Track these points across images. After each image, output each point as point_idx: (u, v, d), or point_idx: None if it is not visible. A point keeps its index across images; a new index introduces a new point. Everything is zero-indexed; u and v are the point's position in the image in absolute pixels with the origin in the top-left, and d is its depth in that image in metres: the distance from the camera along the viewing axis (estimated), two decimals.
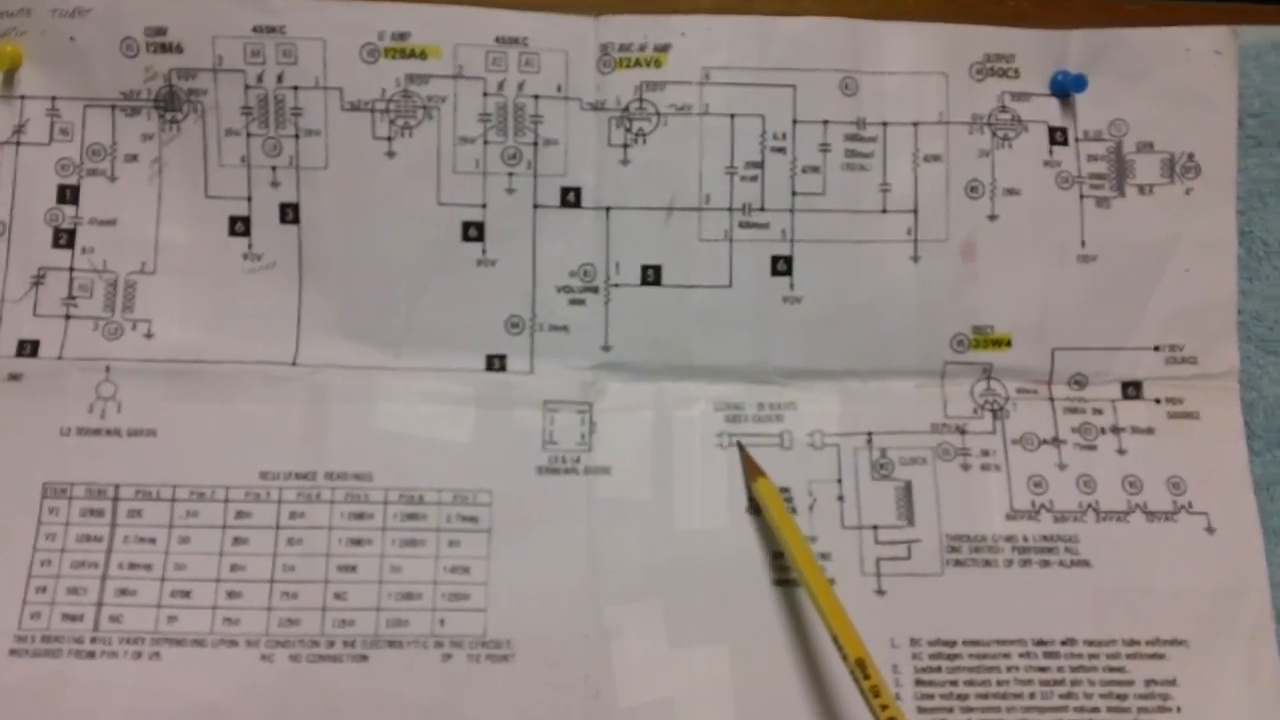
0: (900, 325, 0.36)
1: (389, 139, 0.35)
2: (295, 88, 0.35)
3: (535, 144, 0.35)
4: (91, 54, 0.35)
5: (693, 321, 0.35)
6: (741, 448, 0.35)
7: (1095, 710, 0.34)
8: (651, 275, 0.35)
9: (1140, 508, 0.35)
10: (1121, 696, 0.34)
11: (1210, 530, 0.35)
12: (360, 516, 0.34)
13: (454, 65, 0.35)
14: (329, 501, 0.34)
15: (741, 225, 0.35)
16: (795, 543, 0.32)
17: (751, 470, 0.34)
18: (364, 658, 0.33)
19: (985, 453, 0.35)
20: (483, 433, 0.35)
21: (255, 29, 0.35)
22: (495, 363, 0.35)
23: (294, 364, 0.35)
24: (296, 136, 0.35)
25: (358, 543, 0.34)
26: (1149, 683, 0.34)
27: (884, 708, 0.29)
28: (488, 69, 0.35)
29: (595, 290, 0.35)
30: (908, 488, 0.35)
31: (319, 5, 0.35)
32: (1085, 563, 0.35)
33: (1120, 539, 0.35)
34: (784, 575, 0.34)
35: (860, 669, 0.30)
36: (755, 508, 0.34)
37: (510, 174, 0.35)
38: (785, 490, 0.35)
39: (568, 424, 0.35)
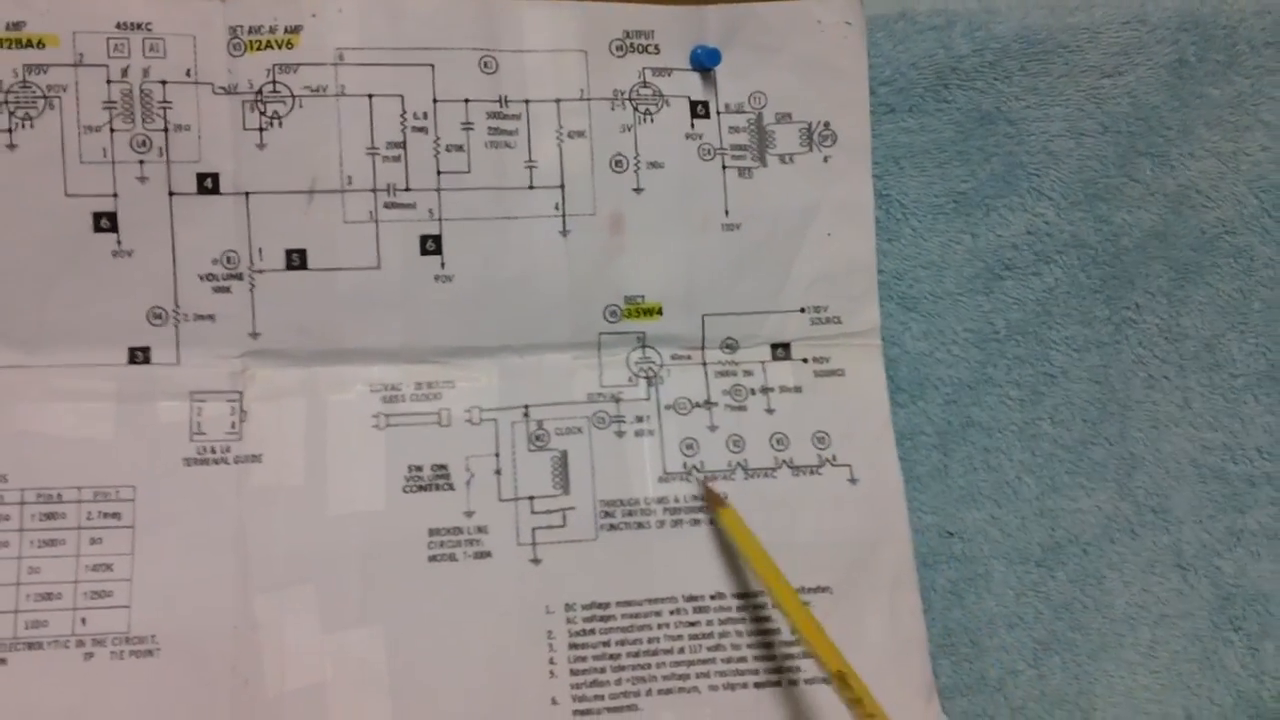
0: (553, 299, 0.36)
1: (9, 131, 0.34)
2: None
3: (166, 130, 0.34)
4: None
5: (342, 305, 0.35)
6: (703, 483, 0.36)
7: (743, 659, 0.35)
8: (296, 260, 0.35)
9: (787, 463, 0.36)
10: (768, 645, 0.35)
11: (854, 481, 0.37)
12: None
13: (74, 53, 0.34)
14: None
15: (387, 206, 0.35)
16: (765, 566, 0.33)
17: (713, 503, 0.35)
18: (2, 661, 0.32)
19: (640, 419, 0.36)
20: (125, 428, 0.34)
21: None
22: (138, 355, 0.34)
23: None
24: None
25: None
26: (795, 629, 0.35)
27: (870, 716, 0.30)
28: (110, 56, 0.34)
29: (240, 277, 0.35)
30: (563, 457, 0.36)
31: None
32: None
33: (768, 494, 0.36)
34: (439, 552, 0.34)
35: (841, 680, 0.31)
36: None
37: (141, 162, 0.34)
38: (442, 467, 0.35)
39: (216, 414, 0.35)
